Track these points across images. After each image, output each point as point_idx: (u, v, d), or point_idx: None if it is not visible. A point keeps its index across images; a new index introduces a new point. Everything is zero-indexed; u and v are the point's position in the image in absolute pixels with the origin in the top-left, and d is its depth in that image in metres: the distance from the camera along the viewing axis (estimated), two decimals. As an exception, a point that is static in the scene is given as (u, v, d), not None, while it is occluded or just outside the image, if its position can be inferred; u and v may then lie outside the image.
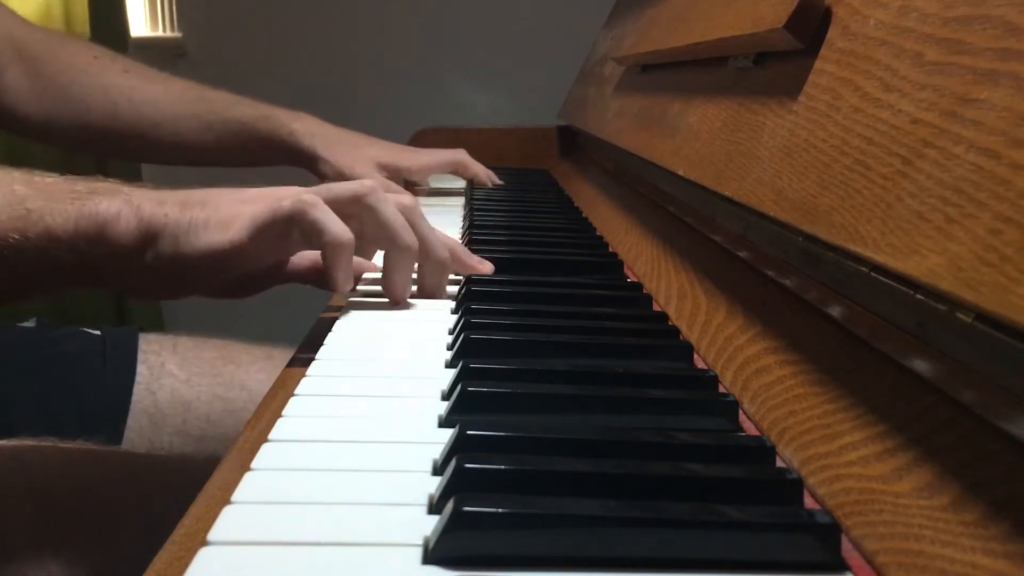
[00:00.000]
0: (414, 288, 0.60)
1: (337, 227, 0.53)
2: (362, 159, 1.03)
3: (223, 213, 0.53)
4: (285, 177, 1.01)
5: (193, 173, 0.92)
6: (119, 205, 0.52)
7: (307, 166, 1.03)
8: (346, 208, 0.55)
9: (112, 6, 2.09)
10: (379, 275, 0.62)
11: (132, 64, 1.00)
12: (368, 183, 0.56)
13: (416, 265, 0.59)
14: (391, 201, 0.56)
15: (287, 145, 1.01)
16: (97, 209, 0.51)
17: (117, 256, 0.52)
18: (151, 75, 1.00)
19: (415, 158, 1.09)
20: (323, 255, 0.54)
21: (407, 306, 0.59)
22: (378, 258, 0.66)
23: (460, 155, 1.14)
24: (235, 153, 1.02)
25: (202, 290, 0.57)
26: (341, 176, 1.00)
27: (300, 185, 0.57)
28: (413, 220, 0.57)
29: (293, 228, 0.53)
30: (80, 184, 0.53)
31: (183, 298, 0.57)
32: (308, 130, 1.02)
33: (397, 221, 0.56)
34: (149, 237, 0.52)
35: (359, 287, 0.62)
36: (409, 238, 0.56)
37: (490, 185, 1.15)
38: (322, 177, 1.02)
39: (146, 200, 0.53)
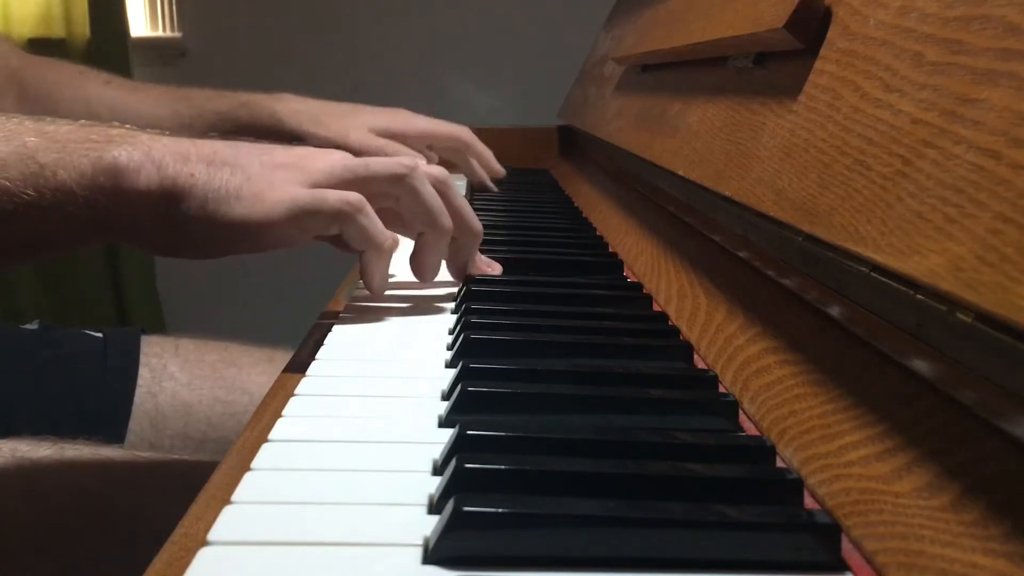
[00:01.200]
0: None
1: (381, 234, 0.53)
2: (354, 126, 0.98)
3: (256, 182, 0.51)
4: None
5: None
6: (139, 158, 0.49)
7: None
8: (384, 187, 0.54)
9: (112, 6, 2.10)
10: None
11: (115, 78, 0.98)
12: (408, 162, 0.55)
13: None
14: (428, 181, 0.56)
15: (271, 129, 0.97)
16: (116, 162, 0.49)
17: (136, 211, 0.50)
18: (133, 85, 0.99)
19: (412, 123, 1.02)
20: (362, 258, 0.54)
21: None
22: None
23: (464, 132, 1.07)
24: None
25: (222, 254, 0.54)
26: (334, 147, 0.99)
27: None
28: (447, 195, 0.57)
29: (334, 225, 0.52)
30: (95, 132, 0.51)
31: (203, 259, 0.55)
32: (291, 109, 0.98)
33: (437, 203, 0.56)
34: (173, 196, 0.49)
35: (360, 287, 0.62)
36: (447, 221, 0.56)
37: (495, 177, 1.10)
38: None
39: (168, 154, 0.50)
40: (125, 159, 0.49)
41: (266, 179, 0.51)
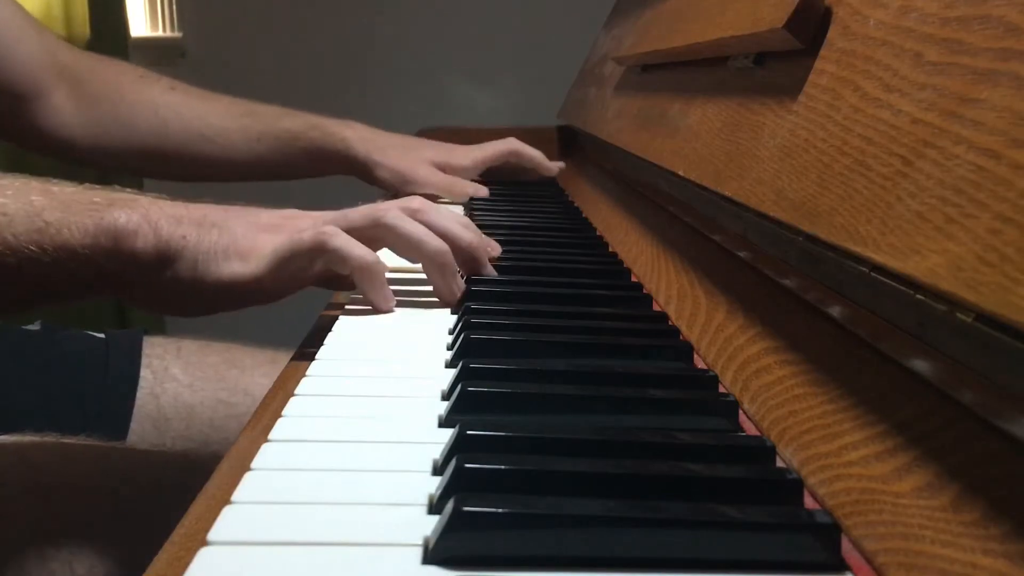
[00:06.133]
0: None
1: (361, 251, 0.54)
2: (417, 160, 1.03)
3: (242, 242, 0.54)
4: (329, 190, 1.02)
5: (200, 186, 0.91)
6: (137, 221, 0.52)
7: (361, 174, 1.03)
8: (366, 232, 0.56)
9: (112, 6, 2.10)
10: (393, 275, 0.62)
11: (177, 83, 0.99)
12: (382, 206, 0.57)
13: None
14: (406, 215, 0.57)
15: (340, 154, 1.01)
16: (116, 224, 0.52)
17: (133, 271, 0.52)
18: (198, 92, 1.00)
19: (468, 155, 1.08)
20: (355, 281, 0.55)
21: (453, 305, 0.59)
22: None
23: (512, 144, 1.13)
24: (286, 166, 1.01)
25: (216, 311, 0.57)
26: (401, 179, 1.01)
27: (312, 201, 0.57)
28: (429, 221, 0.58)
29: (317, 260, 0.54)
30: (98, 195, 0.54)
31: (197, 316, 0.57)
32: (360, 137, 1.01)
33: (419, 232, 0.57)
34: (167, 257, 0.53)
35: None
36: (436, 243, 0.57)
37: (555, 171, 1.15)
38: (380, 183, 1.02)
39: (164, 218, 0.53)
40: (124, 221, 0.52)
41: (251, 239, 0.54)
